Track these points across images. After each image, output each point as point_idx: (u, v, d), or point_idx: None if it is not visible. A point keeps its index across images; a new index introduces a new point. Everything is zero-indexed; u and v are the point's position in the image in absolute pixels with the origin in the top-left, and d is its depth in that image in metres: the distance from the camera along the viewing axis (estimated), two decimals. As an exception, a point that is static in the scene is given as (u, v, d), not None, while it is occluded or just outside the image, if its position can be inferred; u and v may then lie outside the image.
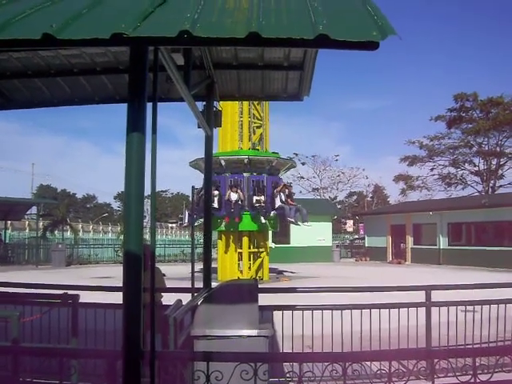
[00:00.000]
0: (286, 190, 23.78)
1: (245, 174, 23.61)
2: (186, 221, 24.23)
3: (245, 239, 24.05)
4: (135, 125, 3.61)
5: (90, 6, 3.43)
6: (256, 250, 24.35)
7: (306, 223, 24.17)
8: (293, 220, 23.30)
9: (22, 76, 6.56)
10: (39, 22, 3.15)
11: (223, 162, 23.08)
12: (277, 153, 24.80)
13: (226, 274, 23.57)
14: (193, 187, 6.13)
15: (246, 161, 23.22)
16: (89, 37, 2.93)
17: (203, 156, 7.36)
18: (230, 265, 23.82)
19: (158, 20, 3.21)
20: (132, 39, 2.94)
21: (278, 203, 23.12)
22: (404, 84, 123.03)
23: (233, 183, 23.35)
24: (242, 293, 5.92)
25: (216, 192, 22.04)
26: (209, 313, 5.40)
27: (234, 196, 22.76)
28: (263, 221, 23.18)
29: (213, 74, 6.63)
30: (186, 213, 24.48)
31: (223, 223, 23.27)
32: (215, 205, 21.79)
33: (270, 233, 31.13)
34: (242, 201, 22.92)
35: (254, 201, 23.11)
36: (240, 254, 23.88)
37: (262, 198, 23.14)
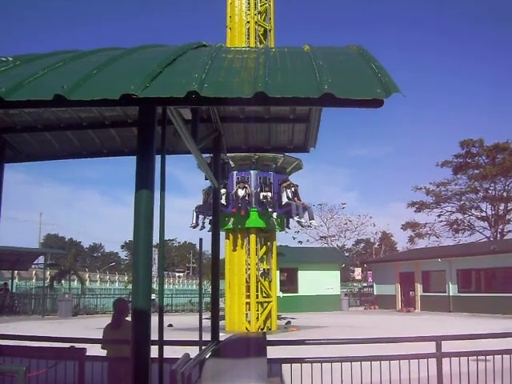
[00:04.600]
0: (293, 188, 23.75)
1: (252, 172, 23.79)
2: (194, 221, 24.14)
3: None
4: (144, 178, 3.66)
5: (100, 66, 3.52)
6: (264, 299, 24.10)
7: (313, 221, 24.10)
8: (298, 219, 23.29)
9: (32, 130, 6.61)
10: (51, 83, 3.24)
11: (231, 160, 22.99)
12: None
13: (234, 324, 23.34)
14: (200, 239, 6.12)
15: (253, 159, 23.35)
16: (99, 97, 3.01)
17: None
18: (238, 315, 23.58)
19: (167, 80, 3.28)
20: (141, 100, 3.02)
21: (284, 200, 23.20)
22: (408, 130, 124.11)
23: (240, 180, 23.54)
24: (250, 346, 5.86)
25: (223, 190, 22.07)
26: (217, 367, 5.33)
27: (241, 192, 22.95)
28: (275, 216, 23.29)
29: (220, 126, 6.69)
30: (195, 214, 24.35)
31: (231, 220, 23.39)
32: (223, 201, 21.88)
33: (278, 281, 30.83)
34: (248, 196, 23.03)
35: (261, 197, 23.21)
36: (248, 303, 23.65)
37: (269, 194, 23.26)
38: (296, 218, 23.33)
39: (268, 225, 23.83)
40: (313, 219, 24.25)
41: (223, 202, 21.96)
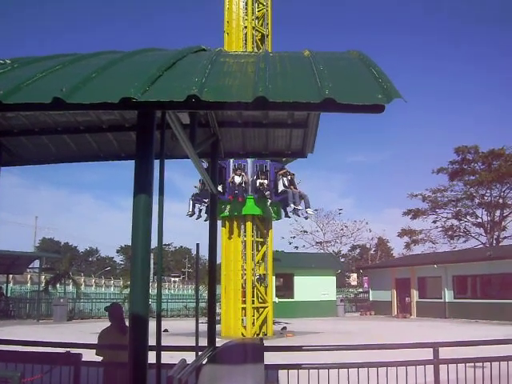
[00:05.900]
0: (289, 176, 23.81)
1: (248, 159, 23.69)
2: (191, 210, 24.09)
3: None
4: (142, 183, 3.63)
5: (99, 69, 3.50)
6: (260, 304, 24.05)
7: (309, 210, 24.10)
8: (295, 207, 23.30)
9: (29, 133, 6.55)
10: (49, 86, 3.21)
11: None
12: None
13: (230, 329, 23.26)
14: (197, 244, 6.08)
15: None
16: (98, 101, 2.98)
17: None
18: (234, 320, 23.51)
19: (166, 84, 3.26)
20: (141, 103, 2.99)
21: (281, 187, 23.30)
22: (405, 136, 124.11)
23: (237, 167, 23.57)
24: (247, 353, 5.82)
25: None
26: (214, 373, 5.29)
27: (237, 179, 23.03)
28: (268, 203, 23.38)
29: (217, 131, 6.66)
30: (191, 202, 24.30)
31: (227, 207, 23.39)
32: (219, 189, 21.78)
33: (274, 287, 30.69)
34: (245, 183, 23.11)
35: (258, 184, 23.28)
36: (244, 309, 23.59)
37: (266, 181, 23.34)
38: (292, 206, 23.35)
39: (264, 212, 23.90)
40: (309, 207, 24.21)
41: (220, 189, 21.95)
